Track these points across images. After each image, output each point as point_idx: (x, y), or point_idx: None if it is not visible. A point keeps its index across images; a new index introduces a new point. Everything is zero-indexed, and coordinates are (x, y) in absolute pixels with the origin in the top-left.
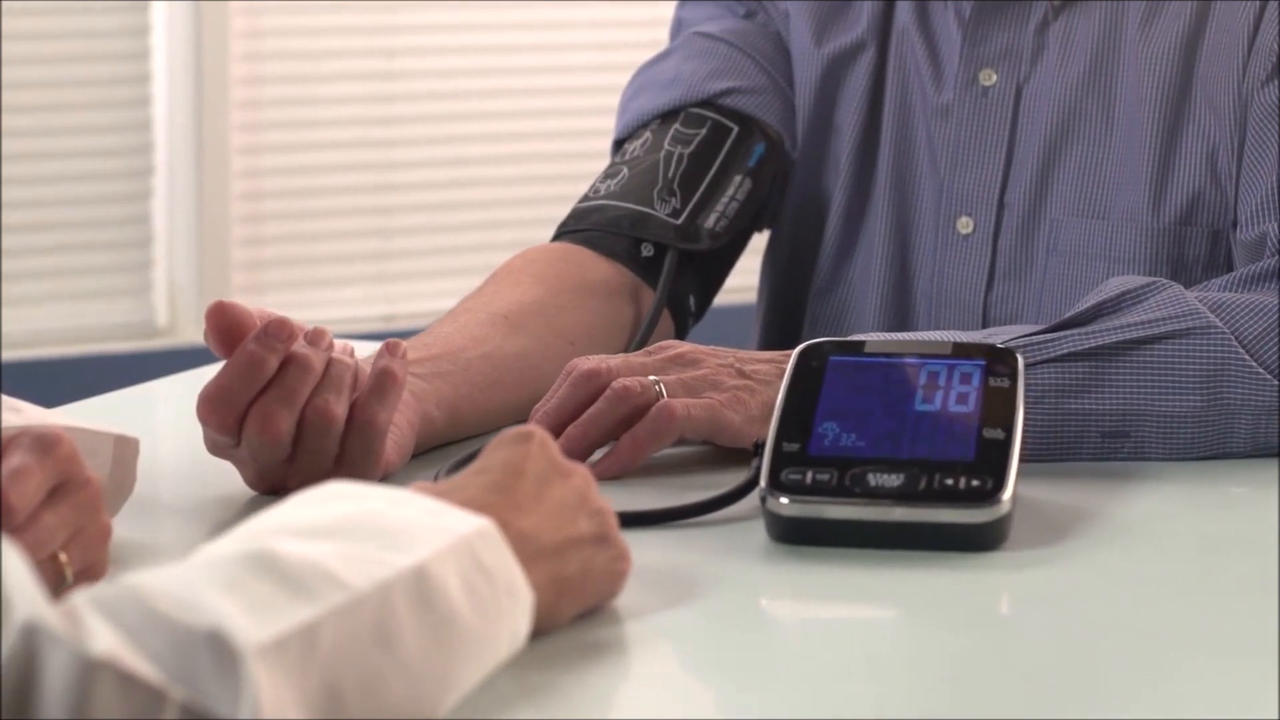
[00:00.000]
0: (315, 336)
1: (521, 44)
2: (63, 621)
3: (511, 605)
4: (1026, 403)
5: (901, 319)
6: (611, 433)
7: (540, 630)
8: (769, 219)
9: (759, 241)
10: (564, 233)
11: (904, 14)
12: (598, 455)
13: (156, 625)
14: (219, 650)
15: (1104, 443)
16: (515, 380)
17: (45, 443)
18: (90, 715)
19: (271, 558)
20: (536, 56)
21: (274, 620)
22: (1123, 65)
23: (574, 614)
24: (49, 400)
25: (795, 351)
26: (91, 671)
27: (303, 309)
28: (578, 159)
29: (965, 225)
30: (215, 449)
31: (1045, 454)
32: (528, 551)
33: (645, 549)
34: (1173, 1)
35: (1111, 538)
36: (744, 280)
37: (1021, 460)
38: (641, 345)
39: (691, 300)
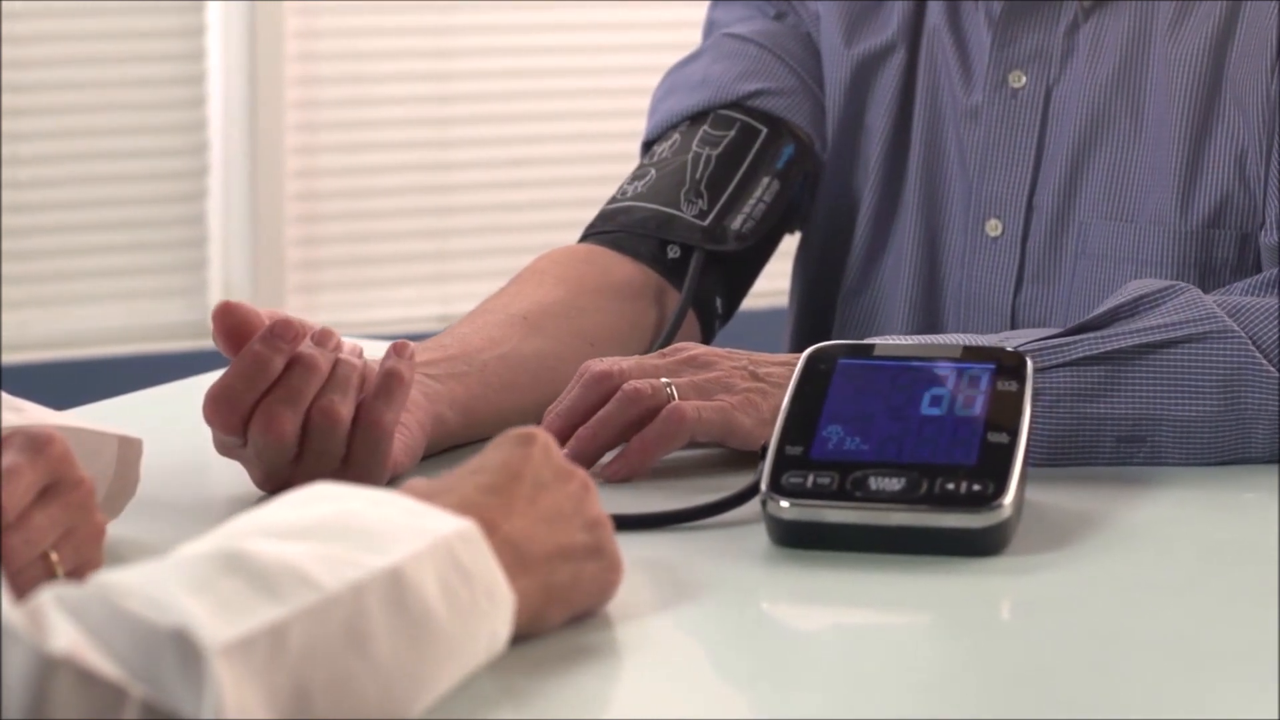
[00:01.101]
0: (322, 337)
1: (577, 45)
2: (24, 620)
3: (491, 607)
4: (1041, 407)
5: (931, 321)
6: (622, 435)
7: (527, 635)
8: (800, 221)
9: (790, 244)
10: (591, 234)
11: (935, 14)
12: (608, 457)
13: (122, 623)
14: (183, 649)
15: (1120, 447)
16: (532, 381)
17: (37, 443)
18: (49, 712)
19: (243, 557)
20: (592, 57)
21: (241, 620)
22: (1152, 67)
23: (562, 620)
24: (103, 399)
25: (804, 355)
26: (50, 669)
27: (358, 309)
28: (635, 160)
29: (994, 228)
30: (223, 449)
31: (1060, 459)
32: (516, 557)
33: (645, 551)
34: (1202, 2)
35: (1116, 543)
36: (777, 284)
37: (1036, 465)
38: (665, 347)
39: (718, 302)
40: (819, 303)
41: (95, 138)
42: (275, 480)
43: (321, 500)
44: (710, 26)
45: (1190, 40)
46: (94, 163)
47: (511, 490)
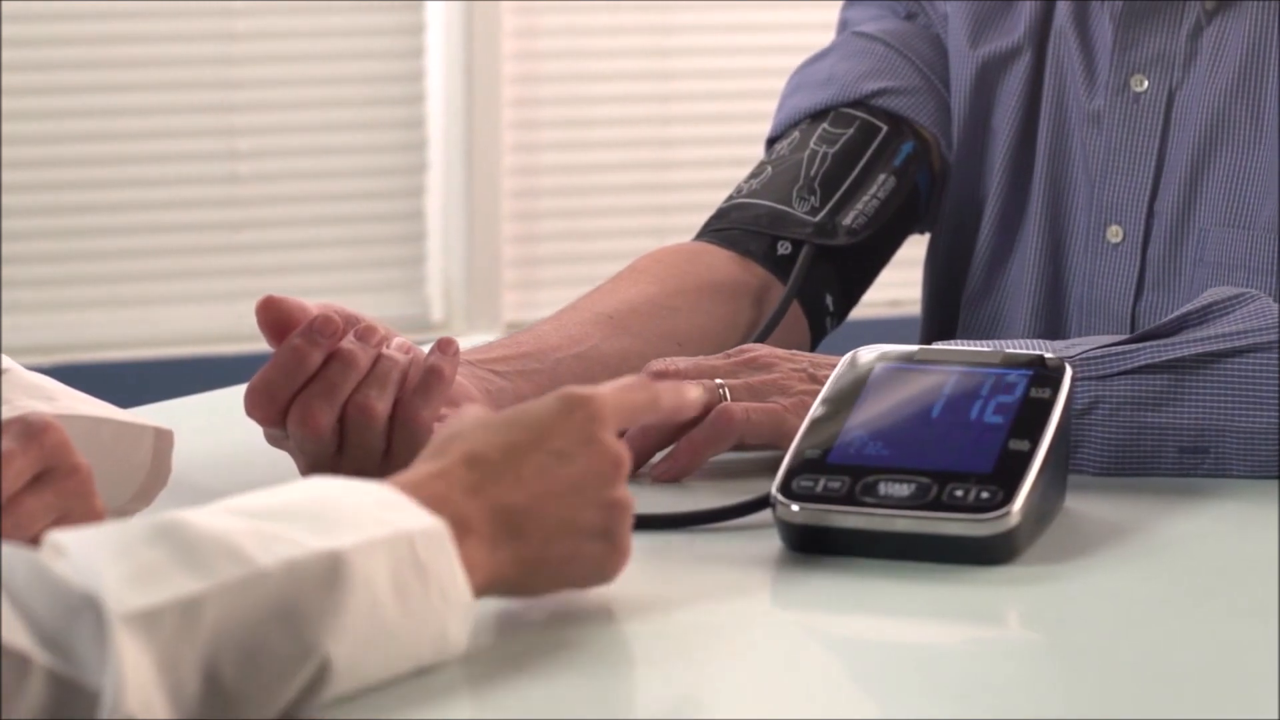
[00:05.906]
0: (365, 333)
1: (797, 45)
2: None
3: (443, 607)
4: (1100, 415)
5: (1053, 328)
6: (673, 435)
7: (514, 595)
8: (929, 222)
9: (920, 251)
10: (705, 231)
11: (1062, 15)
12: (659, 457)
13: (45, 587)
14: (96, 615)
15: (1182, 458)
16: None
17: (32, 429)
18: None
19: (176, 528)
20: None
21: (154, 590)
22: (1272, 71)
23: (551, 591)
24: None
25: (844, 358)
26: None
27: None
28: None
29: (1115, 234)
30: (272, 440)
31: (1121, 468)
32: (507, 524)
33: (656, 551)
34: None
35: (1136, 557)
36: (911, 293)
37: (1096, 474)
38: (762, 341)
39: (829, 299)
40: (945, 307)
41: (315, 134)
42: (320, 472)
43: (305, 488)
44: (842, 25)
45: None
46: (314, 158)
47: (523, 456)
